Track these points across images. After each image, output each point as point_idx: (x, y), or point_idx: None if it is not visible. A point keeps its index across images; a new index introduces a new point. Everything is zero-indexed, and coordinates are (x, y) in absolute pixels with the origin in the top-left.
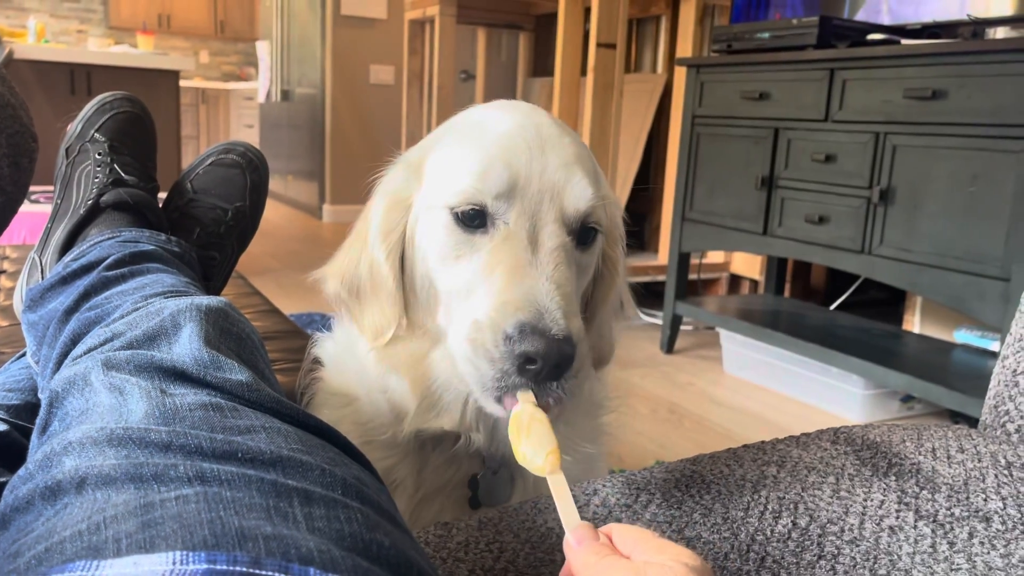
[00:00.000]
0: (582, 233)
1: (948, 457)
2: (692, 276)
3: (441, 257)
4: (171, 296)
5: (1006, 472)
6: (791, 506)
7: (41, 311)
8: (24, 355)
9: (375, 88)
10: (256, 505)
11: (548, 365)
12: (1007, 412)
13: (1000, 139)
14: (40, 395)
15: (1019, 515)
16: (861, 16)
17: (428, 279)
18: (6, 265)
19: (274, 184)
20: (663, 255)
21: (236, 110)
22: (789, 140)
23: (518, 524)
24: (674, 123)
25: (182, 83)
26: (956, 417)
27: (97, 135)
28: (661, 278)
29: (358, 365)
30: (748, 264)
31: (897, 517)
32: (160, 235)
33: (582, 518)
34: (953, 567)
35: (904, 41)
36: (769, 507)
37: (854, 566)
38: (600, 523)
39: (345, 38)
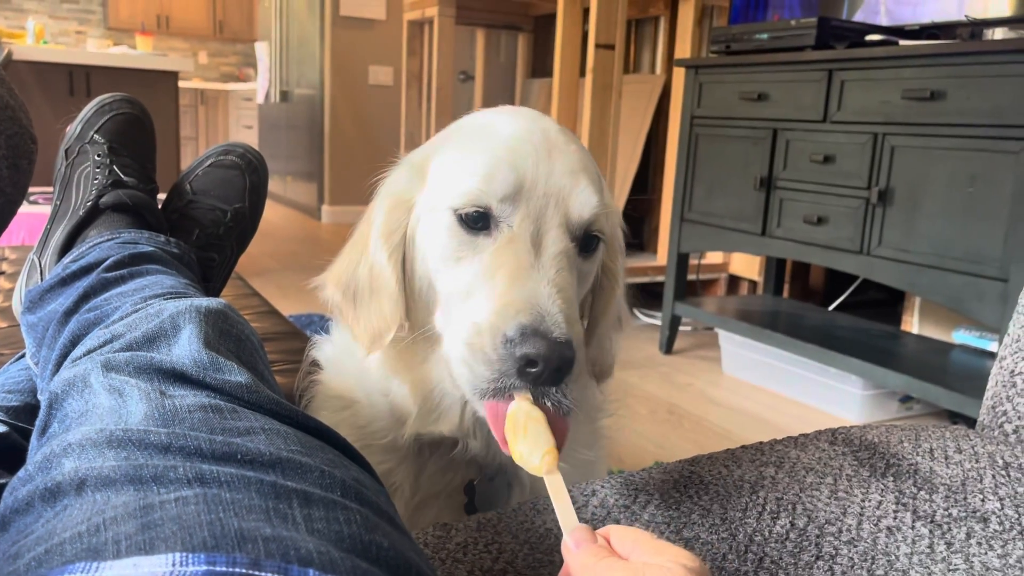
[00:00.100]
0: (585, 241)
1: (946, 458)
2: (691, 277)
3: (442, 259)
4: (170, 298)
5: (1004, 473)
6: (789, 507)
7: (40, 312)
8: (23, 356)
9: (374, 89)
10: (255, 506)
11: (549, 368)
12: (1005, 413)
13: (998, 140)
14: (39, 396)
15: (1016, 516)
16: (859, 17)
17: (427, 281)
18: (5, 266)
19: (273, 185)
20: (662, 256)
21: (235, 111)
22: (788, 141)
23: (517, 525)
24: (673, 124)
25: (181, 84)
26: (955, 417)
27: (96, 136)
28: (660, 279)
29: (358, 368)
30: (747, 265)
31: (895, 517)
32: (159, 236)
33: (580, 519)
34: (950, 567)
35: (902, 42)
36: (767, 508)
37: (852, 566)
38: (598, 524)
39: (344, 39)
